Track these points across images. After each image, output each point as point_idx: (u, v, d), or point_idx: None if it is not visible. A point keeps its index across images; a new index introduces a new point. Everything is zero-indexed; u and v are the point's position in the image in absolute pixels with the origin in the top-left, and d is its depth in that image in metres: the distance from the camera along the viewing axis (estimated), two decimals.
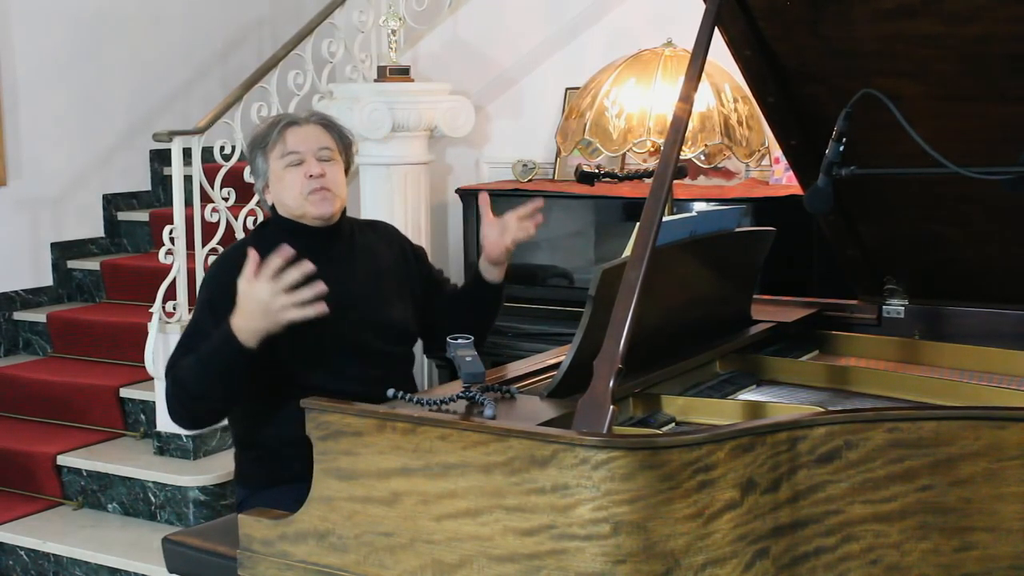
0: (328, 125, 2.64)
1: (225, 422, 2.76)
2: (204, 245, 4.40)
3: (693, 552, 1.81)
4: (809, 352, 2.82)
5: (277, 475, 2.52)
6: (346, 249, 2.66)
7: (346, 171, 2.67)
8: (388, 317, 2.65)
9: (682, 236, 2.43)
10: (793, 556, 1.91)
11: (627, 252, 2.34)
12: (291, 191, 2.58)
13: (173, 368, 2.46)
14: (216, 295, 2.49)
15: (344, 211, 2.67)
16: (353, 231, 2.72)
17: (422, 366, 4.69)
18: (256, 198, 4.50)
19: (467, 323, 2.56)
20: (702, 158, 3.81)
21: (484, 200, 2.67)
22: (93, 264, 5.42)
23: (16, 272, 5.27)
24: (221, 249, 4.41)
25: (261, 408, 2.54)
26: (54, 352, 5.15)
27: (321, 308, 2.31)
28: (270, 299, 2.28)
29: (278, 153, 2.58)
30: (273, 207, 2.67)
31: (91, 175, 5.58)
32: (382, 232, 2.81)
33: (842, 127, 2.17)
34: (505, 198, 4.58)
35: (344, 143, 2.66)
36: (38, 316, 5.21)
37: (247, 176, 4.53)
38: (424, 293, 2.77)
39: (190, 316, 2.60)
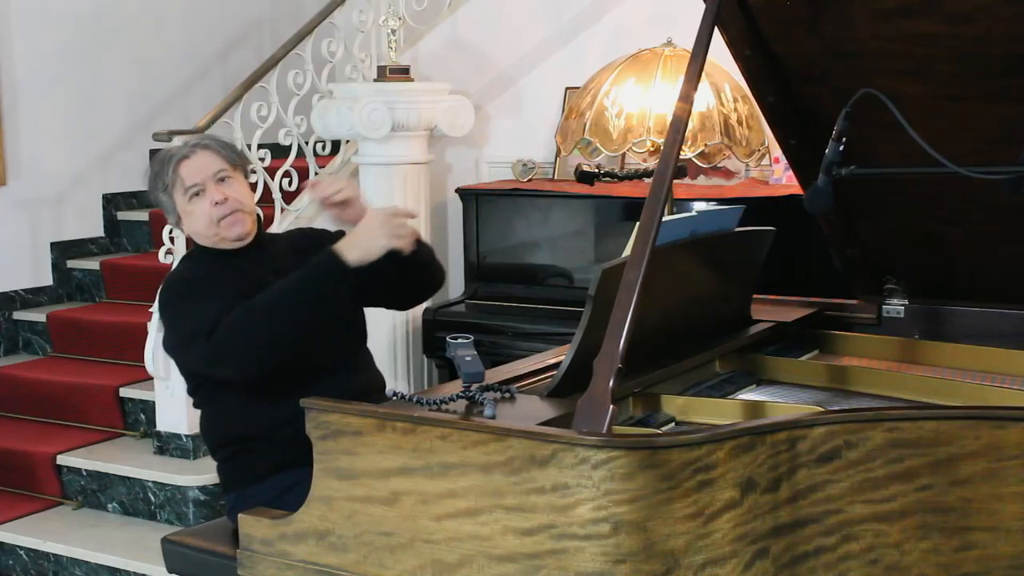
0: (213, 147, 2.64)
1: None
2: None
3: (693, 552, 1.81)
4: (809, 352, 2.83)
5: (254, 470, 2.54)
6: (270, 259, 2.67)
7: (247, 174, 2.72)
8: None
9: (682, 236, 2.43)
10: (793, 556, 1.92)
11: (627, 252, 2.34)
12: (201, 220, 2.60)
13: (236, 314, 2.42)
14: (197, 285, 2.54)
15: (260, 224, 2.72)
16: (276, 240, 2.78)
17: (422, 366, 4.70)
18: (256, 198, 4.54)
19: (402, 291, 2.67)
20: (702, 158, 3.81)
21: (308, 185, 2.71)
22: (93, 264, 5.42)
23: (16, 272, 5.27)
24: None
25: (223, 407, 2.58)
26: (54, 352, 5.15)
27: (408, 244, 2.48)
28: (395, 219, 2.46)
29: (179, 189, 2.60)
30: (191, 239, 2.71)
31: (91, 175, 5.58)
32: (300, 235, 2.84)
33: (842, 127, 2.17)
34: (505, 198, 4.60)
35: (235, 156, 2.67)
36: (38, 316, 5.21)
37: (248, 176, 4.55)
38: None
39: (176, 324, 2.57)
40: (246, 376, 2.44)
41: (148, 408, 4.47)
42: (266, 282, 2.53)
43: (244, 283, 2.53)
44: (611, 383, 1.90)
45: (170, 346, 2.62)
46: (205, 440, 2.74)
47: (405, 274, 2.56)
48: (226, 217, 2.59)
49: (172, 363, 4.19)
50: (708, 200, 4.05)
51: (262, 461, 2.53)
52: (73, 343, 5.05)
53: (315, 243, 2.68)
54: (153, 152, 5.66)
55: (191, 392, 2.70)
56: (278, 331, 2.38)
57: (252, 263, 2.63)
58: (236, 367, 2.42)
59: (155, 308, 2.74)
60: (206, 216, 2.59)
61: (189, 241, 2.79)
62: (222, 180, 2.60)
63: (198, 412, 2.70)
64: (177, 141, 2.85)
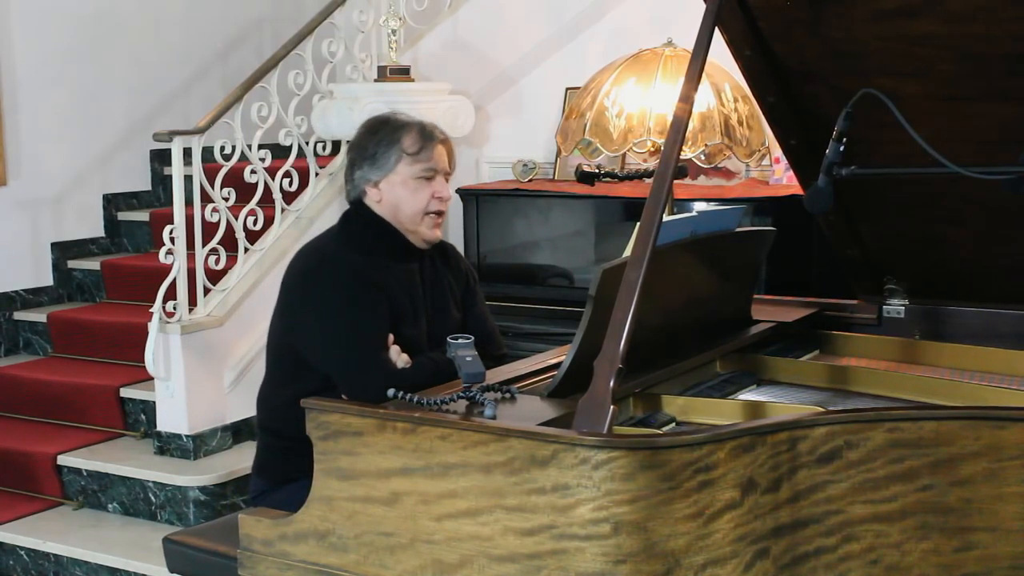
0: (450, 144, 2.69)
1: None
2: (204, 245, 4.40)
3: (693, 552, 1.81)
4: (809, 352, 2.83)
5: (300, 469, 2.49)
6: (419, 267, 2.67)
7: None
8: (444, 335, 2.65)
9: (682, 236, 2.43)
10: (793, 556, 1.92)
11: (627, 252, 2.34)
12: (415, 205, 2.60)
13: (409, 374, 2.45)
14: (360, 286, 2.52)
15: None
16: (425, 252, 2.71)
17: None
18: (256, 198, 4.55)
19: None
20: (702, 158, 3.81)
21: None
22: (93, 264, 5.42)
23: (16, 272, 5.27)
24: (222, 249, 4.42)
25: (295, 401, 2.51)
26: (54, 352, 5.14)
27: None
28: None
29: (417, 162, 2.59)
30: (362, 203, 2.65)
31: (91, 175, 5.58)
32: (448, 254, 2.81)
33: (842, 127, 2.17)
34: (505, 198, 4.60)
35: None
36: (38, 316, 5.21)
37: (247, 176, 4.56)
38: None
39: (325, 323, 2.53)
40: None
41: (148, 408, 4.47)
42: (415, 297, 2.57)
43: (397, 292, 2.55)
44: (612, 383, 1.90)
45: (306, 337, 2.56)
46: (263, 417, 2.70)
47: None
48: (436, 214, 2.60)
49: (172, 363, 4.24)
50: (709, 200, 4.06)
51: (308, 462, 2.45)
52: (74, 343, 5.05)
53: (470, 291, 2.77)
54: (153, 152, 5.70)
55: (277, 371, 2.65)
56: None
57: (408, 271, 2.62)
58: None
59: (291, 274, 2.62)
60: (422, 203, 2.59)
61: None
62: (446, 179, 2.64)
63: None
64: (406, 114, 2.78)
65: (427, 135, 2.63)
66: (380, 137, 2.62)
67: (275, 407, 2.65)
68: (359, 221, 2.65)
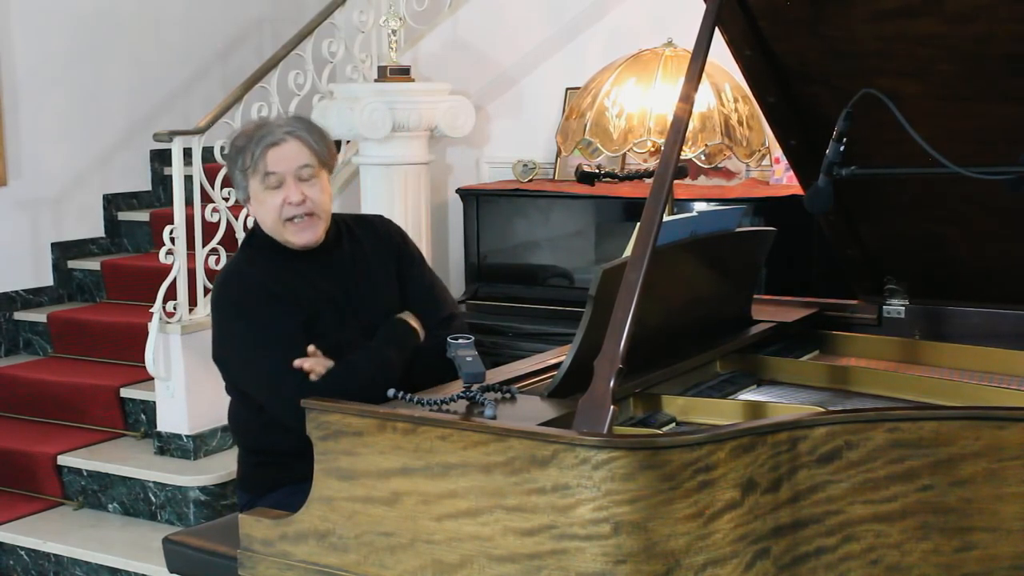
0: (305, 139, 2.50)
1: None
2: (204, 245, 4.41)
3: (693, 552, 1.81)
4: (809, 352, 2.83)
5: (280, 478, 2.51)
6: (336, 258, 2.58)
7: (331, 171, 2.58)
8: (387, 314, 2.60)
9: (683, 236, 2.43)
10: (794, 556, 1.92)
11: (627, 252, 2.34)
12: (270, 215, 2.49)
13: (326, 383, 2.37)
14: (258, 302, 2.46)
15: (335, 221, 2.59)
16: (340, 237, 2.61)
17: None
18: None
19: None
20: (702, 158, 3.81)
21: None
22: (93, 264, 5.42)
23: (16, 272, 5.27)
24: (222, 249, 4.42)
25: (269, 417, 2.50)
26: (54, 352, 5.15)
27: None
28: None
29: (258, 175, 2.48)
30: (255, 220, 2.60)
31: (91, 175, 5.58)
32: (377, 231, 2.69)
33: (842, 127, 2.17)
34: (506, 198, 4.60)
35: (325, 152, 2.54)
36: (38, 316, 5.21)
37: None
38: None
39: (237, 348, 2.50)
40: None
41: (149, 408, 4.48)
42: (330, 293, 2.49)
43: (309, 292, 2.47)
44: (612, 383, 1.90)
45: (226, 364, 2.54)
46: (233, 432, 2.69)
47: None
48: (297, 219, 2.48)
49: (172, 363, 4.25)
50: (709, 200, 4.05)
51: (290, 473, 2.43)
52: (74, 343, 5.06)
53: (404, 261, 2.65)
54: (153, 152, 5.70)
55: (229, 389, 2.63)
56: (367, 400, 2.21)
57: (317, 270, 2.53)
58: (373, 396, 2.23)
59: (211, 299, 2.50)
60: (276, 211, 2.48)
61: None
62: (304, 179, 2.48)
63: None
64: (274, 115, 2.67)
65: (259, 140, 2.47)
66: (230, 157, 2.55)
67: (238, 423, 2.65)
68: (258, 234, 2.59)
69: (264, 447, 2.57)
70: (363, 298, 2.58)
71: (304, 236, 2.50)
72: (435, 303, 2.64)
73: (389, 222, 2.76)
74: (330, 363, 2.42)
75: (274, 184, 2.48)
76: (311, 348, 2.43)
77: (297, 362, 2.40)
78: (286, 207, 2.47)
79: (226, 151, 2.58)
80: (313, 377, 2.39)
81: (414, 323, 2.56)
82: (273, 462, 2.55)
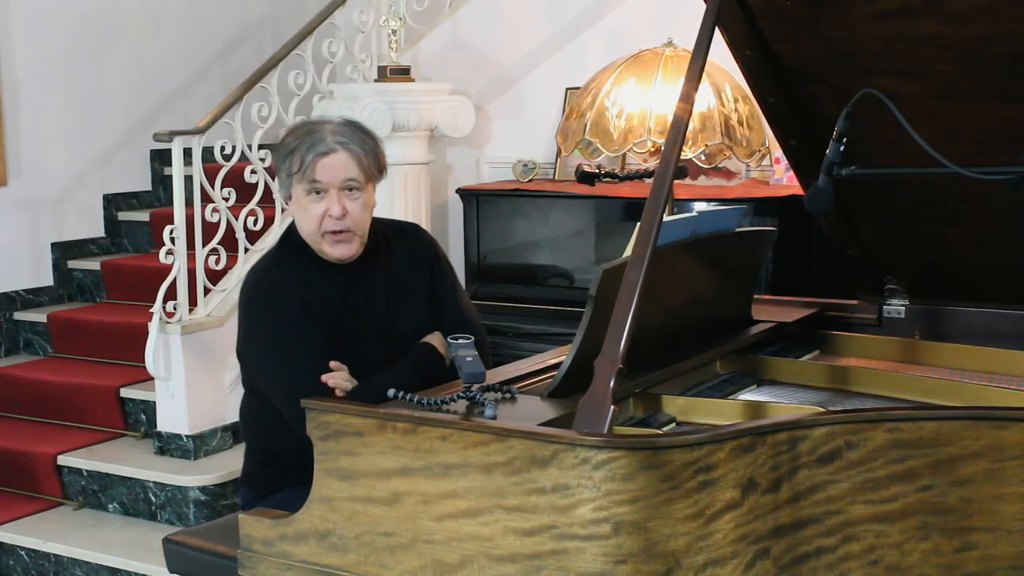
0: (356, 152, 2.48)
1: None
2: (204, 245, 4.41)
3: (694, 552, 1.81)
4: (809, 352, 2.82)
5: (284, 479, 2.51)
6: (369, 272, 2.57)
7: (379, 180, 2.57)
8: (415, 333, 2.59)
9: (683, 236, 2.43)
10: (794, 556, 1.92)
11: (627, 252, 2.34)
12: (310, 224, 2.48)
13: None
14: (286, 306, 2.46)
15: (371, 235, 2.57)
16: (376, 251, 2.59)
17: None
18: (257, 198, 4.57)
19: None
20: (702, 158, 3.81)
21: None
22: (93, 264, 5.43)
23: (16, 272, 5.27)
24: (222, 249, 4.42)
25: (279, 418, 2.49)
26: (54, 352, 5.15)
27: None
28: None
29: (304, 181, 2.46)
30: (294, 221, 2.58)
31: (91, 175, 5.58)
32: (412, 243, 2.68)
33: (842, 127, 2.17)
34: (506, 198, 4.60)
35: (374, 168, 2.52)
36: (38, 316, 5.21)
37: (247, 176, 4.56)
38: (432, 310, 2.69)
39: (264, 351, 2.49)
40: None
41: (149, 408, 4.48)
42: (357, 309, 2.49)
43: (339, 303, 2.47)
44: (612, 383, 1.90)
45: (247, 362, 2.55)
46: (242, 428, 2.70)
47: None
48: (335, 233, 2.46)
49: (172, 363, 4.25)
50: (709, 200, 4.06)
51: (295, 473, 2.38)
52: (74, 343, 5.06)
53: (435, 276, 2.65)
54: (153, 152, 5.70)
55: (246, 383, 2.62)
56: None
57: (348, 284, 2.52)
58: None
59: (239, 296, 2.56)
60: (316, 221, 2.46)
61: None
62: (349, 190, 2.46)
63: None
64: (329, 117, 2.57)
65: (309, 147, 2.45)
66: (278, 154, 2.53)
67: (249, 419, 2.65)
68: (294, 236, 2.57)
69: (271, 447, 2.58)
70: (391, 317, 2.57)
71: (339, 250, 2.49)
72: (464, 326, 2.59)
73: (424, 233, 2.76)
74: (354, 382, 2.41)
75: (318, 192, 2.46)
76: (334, 364, 2.42)
77: (324, 376, 2.39)
78: (327, 220, 2.46)
79: (275, 146, 2.57)
80: (339, 394, 2.38)
81: (441, 349, 2.54)
82: (278, 462, 2.55)
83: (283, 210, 4.44)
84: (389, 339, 2.55)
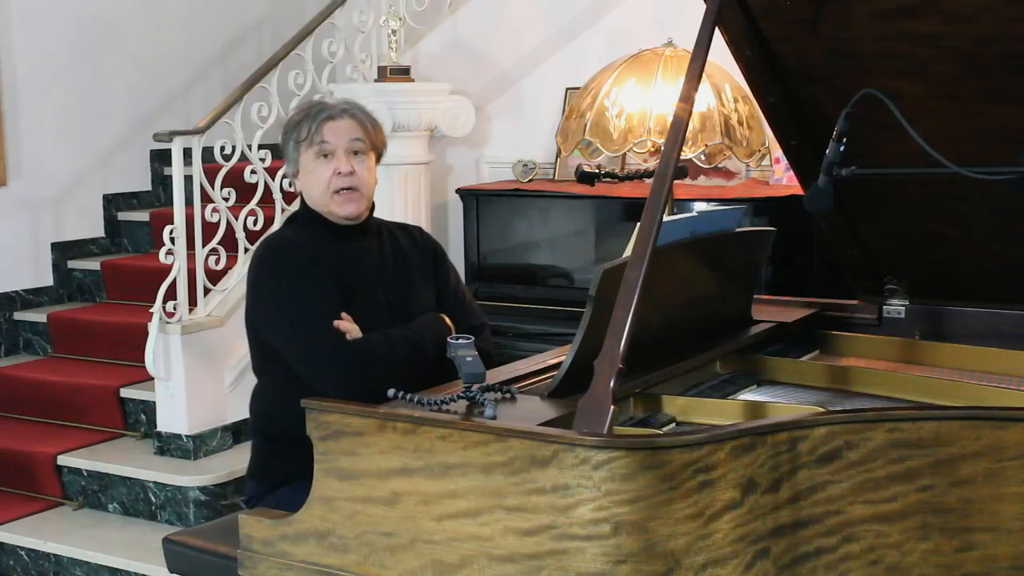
0: (360, 117, 2.64)
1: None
2: (204, 245, 4.41)
3: (694, 552, 1.81)
4: (809, 352, 2.83)
5: (292, 471, 2.49)
6: (375, 246, 2.67)
7: (379, 158, 2.69)
8: (419, 309, 2.66)
9: (683, 236, 2.43)
10: (794, 556, 1.92)
11: (627, 252, 2.34)
12: (318, 185, 2.59)
13: (370, 344, 2.46)
14: (299, 264, 2.53)
15: (373, 208, 2.68)
16: (381, 230, 2.73)
17: None
18: (256, 198, 4.57)
19: None
20: (702, 158, 3.81)
21: None
22: (93, 264, 5.42)
23: (16, 272, 5.27)
24: (222, 249, 4.42)
25: (289, 402, 2.50)
26: (54, 352, 5.15)
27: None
28: None
29: (313, 146, 2.59)
30: (302, 196, 2.69)
31: (91, 175, 5.58)
32: (416, 239, 2.80)
33: (842, 127, 2.17)
34: (506, 198, 4.60)
35: (377, 137, 2.67)
36: (38, 316, 5.21)
37: (247, 176, 4.56)
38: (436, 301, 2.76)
39: (276, 310, 2.54)
40: (340, 394, 2.27)
41: (149, 408, 4.48)
42: (366, 274, 2.58)
43: (348, 269, 2.56)
44: (612, 383, 1.90)
45: (260, 326, 2.58)
46: (252, 418, 2.71)
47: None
48: (343, 191, 2.58)
49: (172, 363, 4.25)
50: (709, 200, 4.06)
51: (303, 465, 2.31)
52: (74, 343, 5.05)
53: (439, 266, 2.76)
54: (153, 152, 5.70)
55: (256, 368, 2.66)
56: (393, 376, 2.26)
57: (359, 248, 2.63)
58: (343, 390, 2.31)
59: (249, 267, 2.64)
60: (324, 182, 2.58)
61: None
62: (355, 153, 2.61)
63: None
64: (333, 97, 2.80)
65: (316, 114, 2.60)
66: (286, 130, 2.67)
67: (259, 408, 2.66)
68: (303, 211, 2.69)
69: (281, 434, 2.56)
70: (398, 286, 2.65)
71: (348, 208, 2.59)
72: (466, 312, 2.74)
73: (427, 234, 2.87)
74: (358, 332, 2.49)
75: (325, 155, 2.59)
76: (344, 316, 2.49)
77: (336, 322, 2.47)
78: (335, 178, 2.58)
79: (285, 124, 2.70)
80: (349, 337, 2.46)
81: (449, 323, 2.64)
82: (286, 451, 2.53)
83: (282, 210, 4.42)
84: (398, 308, 2.62)
